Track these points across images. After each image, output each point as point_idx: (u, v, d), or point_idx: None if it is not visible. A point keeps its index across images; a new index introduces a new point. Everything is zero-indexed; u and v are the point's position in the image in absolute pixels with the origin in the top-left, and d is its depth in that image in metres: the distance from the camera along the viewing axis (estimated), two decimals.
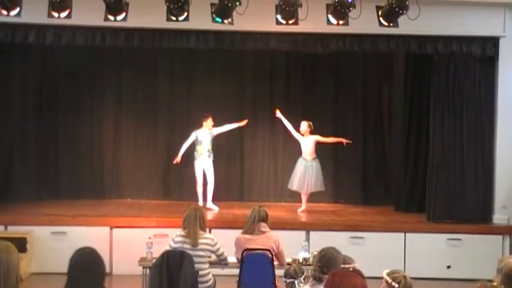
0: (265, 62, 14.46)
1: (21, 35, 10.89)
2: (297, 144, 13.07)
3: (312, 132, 12.74)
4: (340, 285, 4.42)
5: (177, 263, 7.17)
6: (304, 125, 12.70)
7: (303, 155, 12.77)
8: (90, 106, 14.32)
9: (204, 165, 12.59)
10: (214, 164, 12.85)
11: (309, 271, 6.83)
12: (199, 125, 12.65)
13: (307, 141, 12.70)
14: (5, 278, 4.25)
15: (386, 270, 4.58)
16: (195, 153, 12.59)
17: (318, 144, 12.84)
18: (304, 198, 12.82)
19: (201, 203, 12.38)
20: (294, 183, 12.78)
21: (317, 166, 12.69)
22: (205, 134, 12.57)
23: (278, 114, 12.92)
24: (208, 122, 12.60)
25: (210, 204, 12.52)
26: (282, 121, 12.94)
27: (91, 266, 4.42)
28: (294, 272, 6.74)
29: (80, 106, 14.21)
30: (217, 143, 13.18)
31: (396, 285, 4.45)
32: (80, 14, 9.62)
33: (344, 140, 12.80)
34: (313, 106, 14.32)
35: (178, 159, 12.65)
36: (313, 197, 13.36)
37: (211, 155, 12.63)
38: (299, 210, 12.73)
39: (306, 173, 12.63)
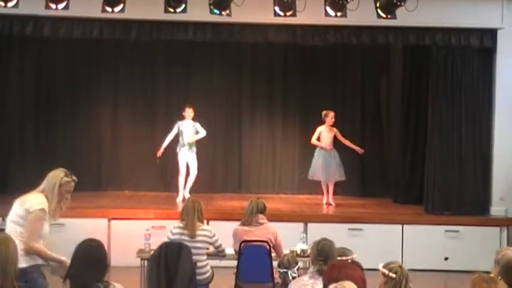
0: (263, 54, 14.44)
1: (19, 26, 10.86)
2: (294, 136, 13.08)
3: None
4: (338, 276, 4.44)
5: (175, 254, 7.17)
6: (332, 115, 12.58)
7: (323, 144, 12.63)
8: (88, 98, 14.30)
9: (186, 157, 12.53)
10: (212, 155, 12.83)
11: (307, 262, 6.85)
12: (194, 118, 12.59)
13: (330, 131, 12.61)
14: (3, 269, 4.26)
15: (381, 263, 4.59)
16: (178, 144, 12.53)
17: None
18: (325, 189, 12.73)
19: (181, 194, 12.39)
20: (318, 174, 12.67)
21: (337, 155, 12.65)
22: (187, 126, 12.47)
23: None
24: (188, 112, 12.42)
25: (186, 194, 12.43)
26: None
27: (96, 258, 4.43)
28: (287, 263, 6.76)
29: (77, 98, 14.18)
30: (215, 135, 13.18)
31: (394, 275, 4.46)
32: (78, 5, 9.61)
33: (358, 149, 12.79)
34: (311, 98, 14.30)
35: (160, 151, 12.58)
36: (311, 189, 13.39)
37: (193, 148, 12.51)
38: (324, 201, 12.68)
39: (327, 163, 12.59)
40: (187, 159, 12.48)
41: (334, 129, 12.62)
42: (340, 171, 12.64)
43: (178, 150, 12.49)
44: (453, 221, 11.34)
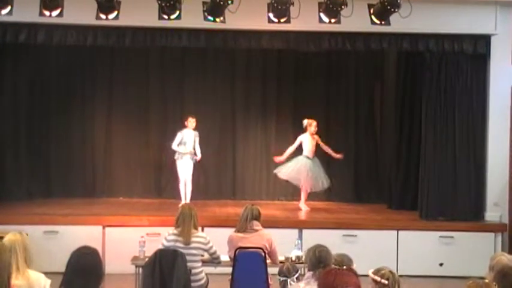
0: (257, 61, 14.48)
1: (13, 33, 10.86)
2: (288, 142, 13.07)
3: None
4: (334, 283, 4.43)
5: (169, 261, 7.16)
6: (314, 125, 12.66)
7: (304, 152, 12.67)
8: (81, 105, 14.30)
9: (186, 166, 12.57)
10: (206, 162, 12.82)
11: (303, 269, 6.85)
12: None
13: (311, 139, 12.66)
14: None
15: (371, 270, 4.58)
16: (177, 153, 12.57)
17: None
18: (305, 194, 12.83)
19: (183, 202, 12.39)
20: (305, 181, 12.71)
21: (319, 163, 12.70)
22: (189, 135, 12.57)
23: (278, 160, 12.80)
24: (191, 123, 12.54)
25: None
26: (285, 157, 12.83)
27: (90, 265, 4.40)
28: (287, 271, 6.75)
29: (71, 105, 14.19)
30: (210, 141, 13.16)
31: (386, 282, 4.46)
32: (72, 12, 9.59)
33: (338, 156, 12.81)
34: (305, 104, 14.31)
35: (179, 157, 12.60)
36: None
37: (194, 157, 12.61)
38: (302, 206, 12.76)
39: (314, 171, 12.62)
40: (187, 167, 12.51)
41: (316, 136, 12.67)
42: (326, 179, 12.71)
43: (178, 158, 12.52)
44: (448, 226, 11.34)
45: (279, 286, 6.82)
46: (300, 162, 12.63)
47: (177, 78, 14.50)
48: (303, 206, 12.77)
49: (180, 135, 12.54)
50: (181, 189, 12.68)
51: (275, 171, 12.87)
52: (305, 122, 12.68)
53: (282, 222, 11.23)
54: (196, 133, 12.64)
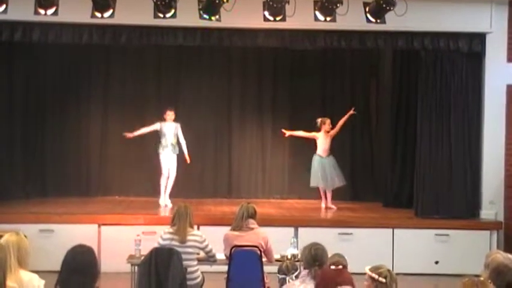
0: (253, 59, 14.47)
1: (8, 32, 10.84)
2: (284, 140, 13.07)
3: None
4: (334, 281, 4.46)
5: (165, 260, 7.15)
6: (328, 122, 12.67)
7: (318, 151, 12.70)
8: (77, 104, 14.29)
9: (169, 158, 12.53)
10: (201, 160, 12.80)
11: (299, 267, 6.85)
12: (183, 122, 12.62)
13: (326, 137, 12.65)
14: None
15: (368, 267, 4.60)
16: (159, 146, 12.50)
17: (310, 140, 12.83)
18: (323, 194, 12.81)
19: (162, 196, 12.44)
20: (319, 181, 12.69)
21: (335, 161, 12.69)
22: (169, 127, 12.49)
23: (287, 132, 12.90)
24: (169, 115, 12.45)
25: (166, 199, 12.47)
26: (293, 135, 12.97)
27: (86, 264, 4.39)
28: (286, 269, 6.76)
29: (66, 104, 14.18)
30: (205, 139, 13.16)
31: (384, 280, 4.47)
32: (67, 11, 9.58)
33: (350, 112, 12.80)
34: (301, 103, 14.33)
35: (130, 135, 12.56)
36: (301, 194, 13.42)
37: (176, 149, 12.53)
38: (322, 205, 12.75)
39: (327, 170, 12.63)
40: (169, 160, 12.48)
41: (330, 133, 12.67)
42: (339, 178, 12.70)
43: (160, 151, 12.48)
44: (443, 224, 11.35)
45: (278, 284, 6.82)
46: (314, 165, 12.67)
47: (173, 77, 14.50)
48: (330, 205, 12.73)
49: (158, 125, 12.47)
50: (162, 183, 12.59)
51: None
52: (319, 120, 12.66)
53: (278, 220, 11.22)
54: (177, 125, 12.53)
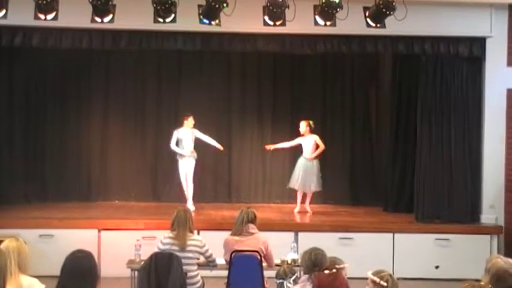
0: (252, 64, 14.47)
1: (8, 37, 10.86)
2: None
3: (312, 131, 12.72)
4: (330, 285, 4.45)
5: (165, 265, 7.15)
6: (303, 125, 12.69)
7: (303, 153, 12.75)
8: (77, 108, 14.28)
9: (188, 165, 12.56)
10: (201, 165, 12.81)
11: (299, 272, 6.85)
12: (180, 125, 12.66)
13: (307, 140, 12.69)
14: None
15: (371, 271, 4.60)
16: (177, 152, 12.56)
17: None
18: (299, 197, 12.82)
19: (190, 202, 12.43)
20: (296, 183, 12.75)
21: (317, 166, 12.69)
22: (186, 134, 12.54)
23: (269, 147, 13.05)
24: (189, 122, 12.55)
25: (190, 205, 12.48)
26: (278, 148, 13.10)
27: (85, 269, 4.38)
28: (283, 273, 6.75)
29: (67, 108, 14.17)
30: (205, 144, 13.15)
31: (385, 284, 4.46)
32: (67, 16, 9.58)
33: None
34: (300, 107, 14.33)
35: (184, 153, 12.59)
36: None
37: (194, 156, 12.59)
38: (295, 210, 12.75)
39: (306, 173, 12.63)
40: (188, 166, 12.51)
41: (312, 136, 12.75)
42: (317, 182, 12.73)
43: (178, 157, 12.51)
44: (443, 229, 11.34)
45: None
46: (296, 165, 12.81)
47: (173, 81, 14.49)
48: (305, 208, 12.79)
49: (176, 134, 12.53)
50: (184, 189, 12.68)
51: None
52: (307, 123, 12.77)
53: (278, 225, 11.23)
54: (193, 130, 12.60)
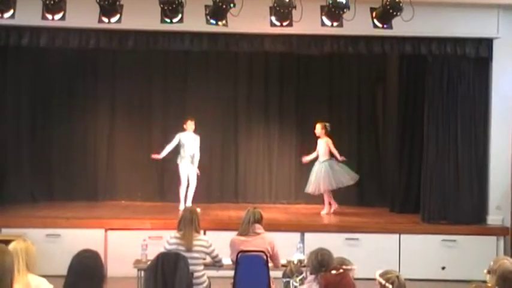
0: (259, 64, 14.47)
1: (15, 37, 10.91)
2: (291, 145, 13.04)
3: (328, 134, 12.69)
4: (338, 284, 4.46)
5: (172, 265, 7.15)
6: (318, 127, 12.68)
7: (319, 157, 12.76)
8: (84, 108, 14.31)
9: (187, 169, 12.55)
10: (208, 165, 12.80)
11: (305, 272, 6.85)
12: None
13: (320, 143, 12.69)
14: (0, 279, 4.25)
15: (379, 271, 4.59)
16: (178, 156, 12.54)
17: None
18: (326, 199, 12.82)
19: (182, 205, 12.37)
20: (308, 187, 12.76)
21: (327, 166, 12.65)
22: (188, 138, 12.51)
23: (305, 160, 12.95)
24: (189, 125, 12.49)
25: (188, 205, 12.46)
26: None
27: (92, 268, 4.40)
28: (290, 272, 6.76)
29: (73, 108, 14.20)
30: (212, 144, 13.17)
31: (390, 286, 4.46)
32: (74, 16, 9.58)
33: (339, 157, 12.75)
34: (307, 108, 14.32)
35: (158, 157, 12.60)
36: (308, 199, 13.38)
37: (195, 161, 12.56)
38: (322, 212, 12.75)
39: (318, 175, 12.63)
40: (188, 171, 12.49)
41: (325, 139, 12.72)
42: (330, 182, 12.71)
43: (179, 161, 12.50)
44: (450, 230, 11.33)
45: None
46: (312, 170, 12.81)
47: (180, 81, 14.50)
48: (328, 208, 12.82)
49: (177, 137, 12.51)
50: (181, 192, 12.58)
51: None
52: (324, 125, 12.76)
53: (284, 225, 11.23)
54: (196, 137, 12.57)
